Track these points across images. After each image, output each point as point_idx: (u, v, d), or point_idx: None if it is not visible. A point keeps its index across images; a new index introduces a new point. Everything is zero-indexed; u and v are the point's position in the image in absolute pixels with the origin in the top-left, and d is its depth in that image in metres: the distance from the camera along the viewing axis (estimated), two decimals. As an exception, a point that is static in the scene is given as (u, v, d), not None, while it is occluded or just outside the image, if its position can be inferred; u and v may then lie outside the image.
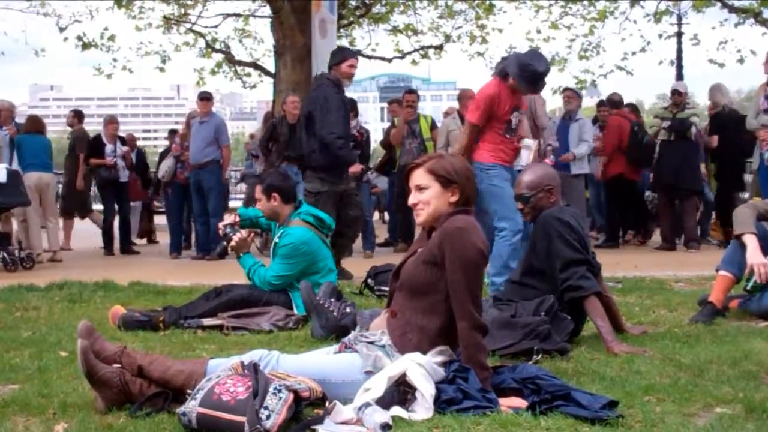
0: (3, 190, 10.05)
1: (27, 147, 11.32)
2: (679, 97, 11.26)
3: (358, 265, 8.43)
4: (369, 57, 18.93)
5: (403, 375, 3.48)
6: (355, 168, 8.01)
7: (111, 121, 13.22)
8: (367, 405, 3.31)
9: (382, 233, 13.47)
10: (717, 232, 12.39)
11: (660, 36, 17.87)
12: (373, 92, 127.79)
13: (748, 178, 12.75)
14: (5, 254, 9.93)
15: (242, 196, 16.76)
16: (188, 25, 18.31)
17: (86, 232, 14.00)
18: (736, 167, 11.96)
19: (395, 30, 18.86)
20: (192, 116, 12.60)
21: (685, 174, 11.00)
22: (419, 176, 3.91)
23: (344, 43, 18.35)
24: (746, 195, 13.06)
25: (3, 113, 11.09)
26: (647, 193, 12.85)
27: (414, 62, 19.32)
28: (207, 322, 5.68)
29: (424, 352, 3.63)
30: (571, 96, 11.64)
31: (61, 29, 17.09)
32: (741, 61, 16.54)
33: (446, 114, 12.67)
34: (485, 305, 4.54)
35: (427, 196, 3.87)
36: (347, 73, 8.29)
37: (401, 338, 3.74)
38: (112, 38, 17.01)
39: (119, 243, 12.64)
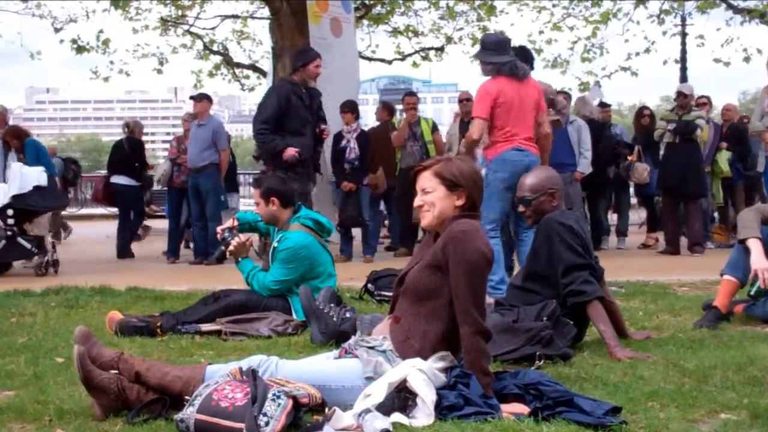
0: (44, 193, 10.12)
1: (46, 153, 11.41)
2: (684, 99, 11.18)
3: (358, 270, 8.39)
4: (369, 59, 18.89)
5: (404, 381, 3.45)
6: (289, 152, 8.32)
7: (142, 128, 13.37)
8: (368, 411, 3.29)
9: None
10: (721, 235, 12.37)
11: (664, 33, 17.74)
12: (373, 94, 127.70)
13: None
14: (44, 258, 9.96)
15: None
16: (186, 27, 18.27)
17: (82, 238, 13.96)
18: (598, 174, 11.91)
19: (396, 31, 18.81)
20: (186, 118, 12.57)
21: (689, 177, 10.95)
22: (425, 179, 3.89)
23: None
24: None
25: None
26: (656, 198, 12.86)
27: (415, 64, 19.28)
28: (205, 327, 5.64)
29: (426, 358, 3.60)
30: (563, 98, 11.61)
31: (57, 30, 17.03)
32: (747, 59, 16.48)
33: (456, 116, 12.70)
34: (487, 310, 4.51)
35: (432, 198, 3.85)
36: (314, 73, 8.60)
37: (403, 344, 3.72)
38: (106, 42, 16.96)
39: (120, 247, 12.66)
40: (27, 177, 10.03)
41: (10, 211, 9.88)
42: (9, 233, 9.86)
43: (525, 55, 8.12)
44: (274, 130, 8.49)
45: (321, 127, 8.67)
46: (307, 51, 8.81)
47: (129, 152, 12.76)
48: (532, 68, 8.10)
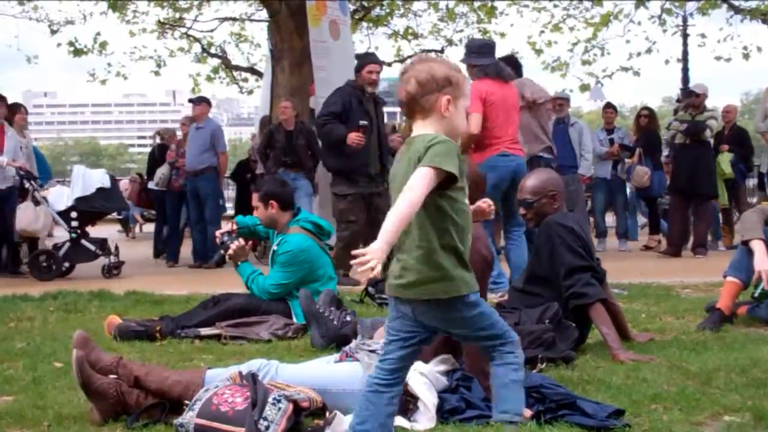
0: (107, 195, 10.17)
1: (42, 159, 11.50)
2: (696, 99, 11.06)
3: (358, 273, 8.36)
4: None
5: (405, 384, 3.41)
6: (351, 137, 8.21)
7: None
8: (369, 415, 3.24)
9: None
10: (724, 236, 12.30)
11: (665, 31, 17.65)
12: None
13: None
14: (109, 260, 10.02)
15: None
16: (183, 30, 18.24)
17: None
18: None
19: (395, 34, 18.79)
20: (185, 122, 12.54)
21: (700, 178, 10.86)
22: None
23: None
24: (754, 199, 12.99)
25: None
26: (659, 200, 12.83)
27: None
28: (204, 331, 5.61)
29: (427, 361, 3.59)
30: (563, 103, 11.59)
31: (53, 32, 17.01)
32: (746, 56, 16.48)
33: None
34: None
35: None
36: (368, 79, 8.51)
37: (405, 347, 3.68)
38: (103, 45, 16.95)
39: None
40: (90, 179, 10.10)
41: (73, 214, 9.92)
42: (73, 235, 9.92)
43: (513, 64, 8.38)
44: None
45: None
46: (362, 56, 8.92)
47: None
48: (519, 75, 8.46)
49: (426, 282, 2.88)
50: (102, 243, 10.37)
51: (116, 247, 10.44)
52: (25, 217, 9.77)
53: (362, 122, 8.17)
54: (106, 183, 10.12)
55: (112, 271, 10.12)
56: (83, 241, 9.99)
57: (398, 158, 3.00)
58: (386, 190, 8.31)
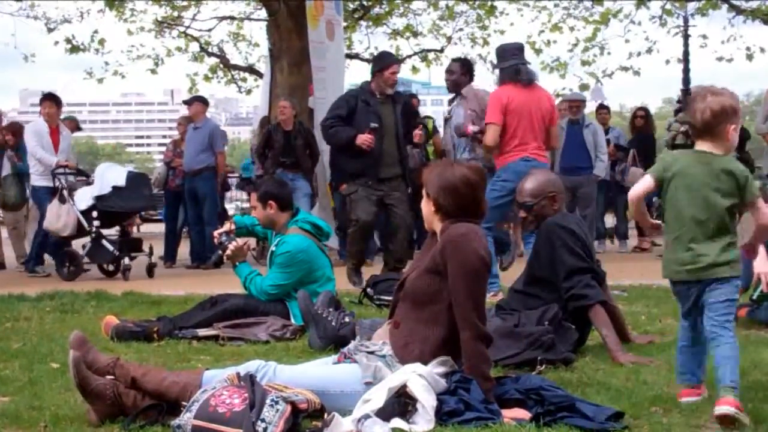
0: (123, 194, 10.02)
1: None
2: None
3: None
4: (368, 61, 18.85)
5: (404, 386, 3.43)
6: (360, 138, 8.02)
7: None
8: (367, 417, 3.27)
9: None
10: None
11: (667, 32, 17.62)
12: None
13: (757, 183, 12.63)
14: (125, 260, 9.95)
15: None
16: (181, 29, 18.22)
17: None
18: None
19: (395, 33, 18.76)
20: (181, 122, 12.50)
21: None
22: None
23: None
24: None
25: None
26: (654, 198, 12.79)
27: (415, 69, 19.22)
28: (202, 332, 5.60)
29: (426, 363, 3.57)
30: (579, 105, 11.51)
31: (50, 30, 16.98)
32: (750, 57, 16.48)
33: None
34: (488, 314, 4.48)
35: (422, 203, 3.92)
36: (391, 80, 8.30)
37: (403, 349, 3.70)
38: (101, 42, 16.92)
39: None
40: (107, 177, 10.01)
41: (94, 213, 9.86)
42: (93, 235, 9.86)
43: (467, 67, 8.37)
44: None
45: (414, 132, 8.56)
46: (383, 57, 8.73)
47: None
48: (471, 79, 8.33)
49: (720, 264, 3.65)
50: (137, 243, 10.44)
51: (150, 248, 10.40)
52: (50, 215, 9.74)
53: (372, 124, 8.03)
54: (121, 181, 9.95)
55: (148, 272, 10.15)
56: (103, 242, 9.90)
57: (691, 162, 3.73)
58: (405, 196, 8.30)
